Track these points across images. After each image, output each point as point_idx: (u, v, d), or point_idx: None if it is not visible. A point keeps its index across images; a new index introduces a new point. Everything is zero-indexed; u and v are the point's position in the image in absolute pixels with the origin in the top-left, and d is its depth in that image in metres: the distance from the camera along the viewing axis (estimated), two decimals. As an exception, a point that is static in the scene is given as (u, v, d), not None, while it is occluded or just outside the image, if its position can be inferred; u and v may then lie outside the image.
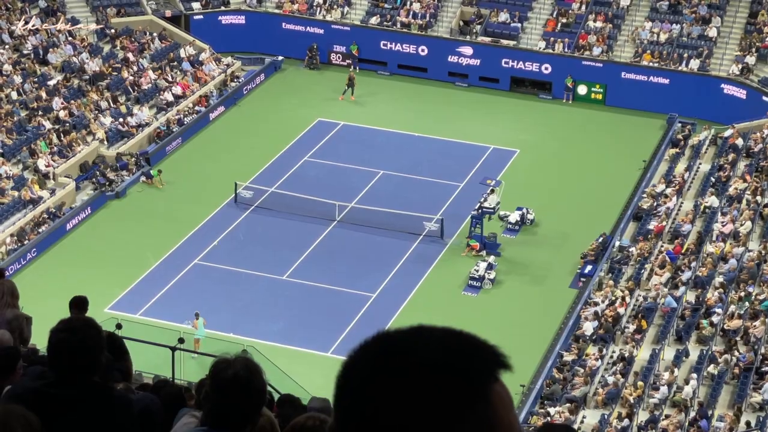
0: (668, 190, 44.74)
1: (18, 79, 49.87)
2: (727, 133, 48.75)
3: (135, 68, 53.52)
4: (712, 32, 55.10)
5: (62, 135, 47.70)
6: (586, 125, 53.01)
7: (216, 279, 41.09)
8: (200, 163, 48.79)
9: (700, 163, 47.43)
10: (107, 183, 46.37)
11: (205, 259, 42.20)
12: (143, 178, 46.98)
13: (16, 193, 44.07)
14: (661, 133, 51.49)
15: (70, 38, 53.61)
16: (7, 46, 51.61)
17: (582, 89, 55.21)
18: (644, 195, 45.12)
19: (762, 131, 48.32)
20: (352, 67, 56.41)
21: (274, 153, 49.46)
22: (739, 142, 47.69)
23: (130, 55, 54.14)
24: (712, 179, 45.31)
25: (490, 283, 41.02)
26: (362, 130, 51.98)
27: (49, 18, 54.12)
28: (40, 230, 42.81)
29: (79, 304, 11.32)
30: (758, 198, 43.28)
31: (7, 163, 45.54)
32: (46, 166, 45.86)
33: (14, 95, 49.03)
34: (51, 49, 52.25)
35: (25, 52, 51.83)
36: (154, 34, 56.39)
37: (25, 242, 42.07)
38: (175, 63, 54.96)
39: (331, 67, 57.78)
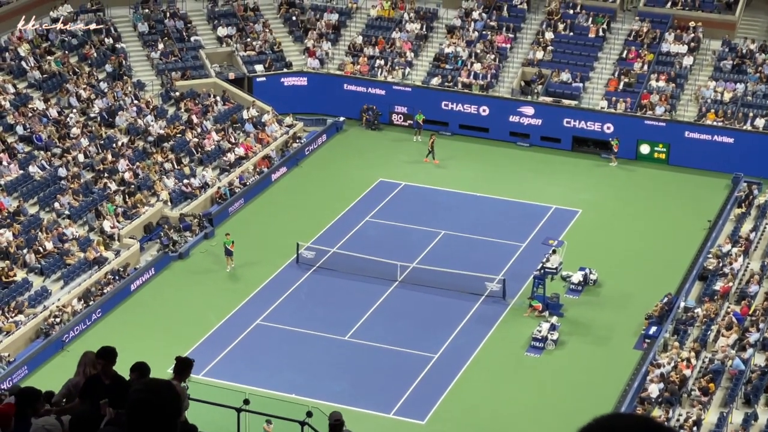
0: (734, 251, 44.16)
1: (85, 142, 50.70)
2: (793, 193, 48.13)
3: (199, 130, 54.20)
4: (776, 91, 54.64)
5: (127, 196, 48.31)
6: (649, 185, 52.62)
7: (278, 339, 41.13)
8: (262, 224, 49.09)
9: (766, 223, 46.81)
10: (171, 244, 46.78)
11: (267, 320, 42.29)
12: (228, 259, 45.44)
13: (82, 254, 44.60)
14: (726, 193, 50.96)
15: (135, 101, 54.48)
16: (75, 110, 52.53)
17: (645, 148, 54.89)
18: (710, 255, 44.56)
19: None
20: (418, 130, 56.65)
21: (336, 213, 49.64)
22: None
23: (194, 117, 54.87)
24: (779, 239, 44.67)
25: (553, 344, 40.63)
26: (424, 190, 52.05)
27: (116, 81, 55.11)
28: (104, 291, 43.22)
29: (139, 369, 11.33)
30: (827, 258, 42.57)
31: (74, 224, 46.15)
32: (112, 228, 46.40)
33: (81, 157, 49.81)
34: (118, 113, 53.11)
35: (92, 115, 52.73)
36: (218, 97, 57.14)
37: (91, 303, 42.48)
38: (238, 124, 55.59)
39: (393, 128, 58.07)
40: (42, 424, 7.51)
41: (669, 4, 58.89)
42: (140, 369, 11.34)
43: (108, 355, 11.22)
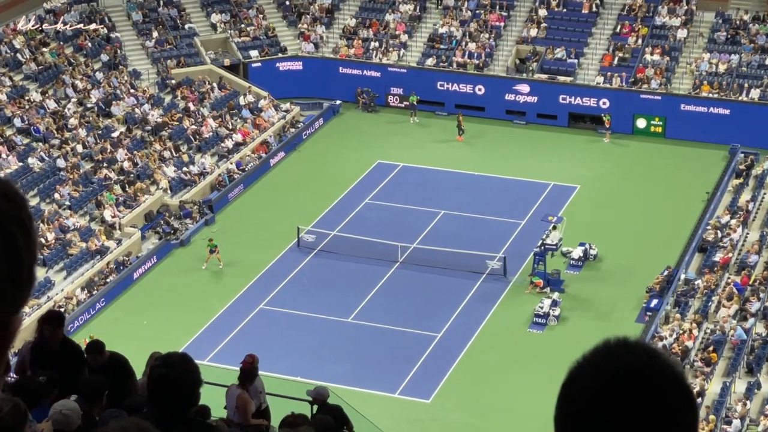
0: (733, 221, 44.34)
1: (83, 133, 50.81)
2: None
3: (196, 117, 54.27)
4: (771, 61, 54.73)
5: (127, 185, 48.45)
6: (646, 159, 52.74)
7: (281, 323, 41.33)
8: (262, 209, 49.23)
9: (764, 193, 46.98)
10: (171, 231, 46.94)
11: (270, 304, 42.49)
12: (209, 256, 44.87)
13: (83, 245, 44.78)
14: (723, 164, 51.10)
15: (132, 90, 54.55)
16: (72, 101, 52.62)
17: (641, 123, 54.98)
18: (708, 227, 44.74)
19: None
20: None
21: (335, 196, 49.78)
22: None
23: (190, 105, 54.94)
24: (777, 209, 44.84)
25: (555, 319, 40.86)
26: (422, 170, 52.18)
27: (111, 71, 55.17)
28: (107, 280, 43.42)
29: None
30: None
31: (74, 215, 46.31)
32: (112, 217, 46.56)
33: (79, 148, 49.93)
34: (114, 102, 53.18)
35: (89, 105, 52.81)
36: (214, 83, 57.20)
37: (94, 292, 42.69)
38: (235, 111, 55.67)
39: (389, 110, 58.13)
40: (60, 408, 7.66)
41: (661, -23, 58.88)
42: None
43: (54, 320, 10.67)
